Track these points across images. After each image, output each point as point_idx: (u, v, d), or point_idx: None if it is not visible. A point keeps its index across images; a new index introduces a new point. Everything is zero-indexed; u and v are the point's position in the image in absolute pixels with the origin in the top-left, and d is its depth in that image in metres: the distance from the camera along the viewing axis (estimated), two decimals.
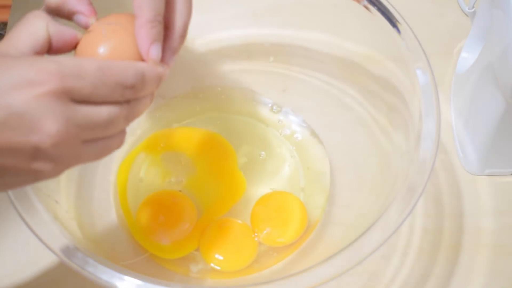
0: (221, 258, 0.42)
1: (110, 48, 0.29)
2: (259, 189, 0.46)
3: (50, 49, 0.29)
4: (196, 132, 0.49)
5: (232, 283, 0.43)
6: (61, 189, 0.41)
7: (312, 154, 0.48)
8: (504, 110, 0.43)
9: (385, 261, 0.44)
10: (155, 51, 0.29)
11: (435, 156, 0.35)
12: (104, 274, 0.31)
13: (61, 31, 0.29)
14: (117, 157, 0.47)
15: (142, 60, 0.30)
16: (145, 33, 0.29)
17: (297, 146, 0.49)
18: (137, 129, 0.49)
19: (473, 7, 0.54)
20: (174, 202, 0.44)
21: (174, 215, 0.44)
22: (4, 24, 0.57)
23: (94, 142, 0.28)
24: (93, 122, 0.27)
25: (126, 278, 0.31)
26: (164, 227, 0.43)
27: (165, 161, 0.48)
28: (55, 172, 0.27)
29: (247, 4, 0.50)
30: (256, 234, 0.44)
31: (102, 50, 0.29)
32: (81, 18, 0.30)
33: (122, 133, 0.30)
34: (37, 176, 0.26)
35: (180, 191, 0.46)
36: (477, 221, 0.47)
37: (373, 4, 0.41)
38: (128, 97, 0.28)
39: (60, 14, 0.30)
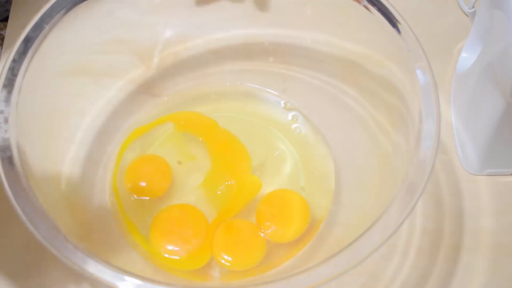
0: (233, 258, 0.43)
1: None
2: (261, 188, 0.47)
3: None
4: (217, 128, 0.50)
5: (232, 284, 0.43)
6: (62, 189, 0.41)
7: (314, 153, 0.49)
8: (504, 110, 0.43)
9: (385, 261, 0.44)
10: None
11: (435, 156, 0.35)
12: (104, 274, 0.31)
13: None
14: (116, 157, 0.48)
15: None
16: None
17: (298, 145, 0.49)
18: (125, 124, 0.49)
19: (473, 7, 0.54)
20: (186, 216, 0.45)
21: (187, 229, 0.44)
22: (4, 25, 0.57)
23: None
24: None
25: (126, 278, 0.31)
26: (178, 243, 0.43)
27: (184, 141, 0.48)
28: None
29: (247, 4, 0.50)
30: (262, 231, 0.44)
31: None
32: None
33: None
34: None
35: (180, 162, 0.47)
36: (477, 221, 0.47)
37: (373, 4, 0.41)
38: None
39: None
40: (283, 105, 0.51)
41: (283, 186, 0.47)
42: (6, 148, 0.35)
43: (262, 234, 0.44)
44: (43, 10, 0.40)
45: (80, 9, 0.42)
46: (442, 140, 0.51)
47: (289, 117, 0.50)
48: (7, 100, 0.37)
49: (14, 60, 0.38)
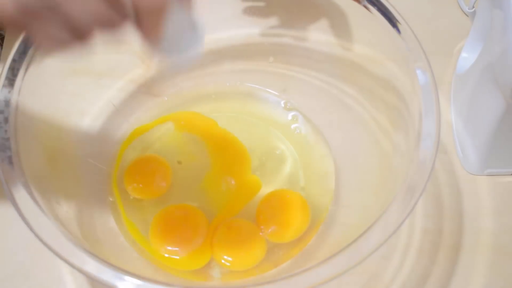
0: (233, 258, 0.43)
1: None
2: (261, 188, 0.47)
3: None
4: (217, 128, 0.50)
5: (232, 284, 0.43)
6: (61, 189, 0.41)
7: (314, 153, 0.49)
8: (504, 110, 0.43)
9: (385, 261, 0.44)
10: None
11: (435, 156, 0.35)
12: (104, 274, 0.31)
13: None
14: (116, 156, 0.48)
15: None
16: None
17: (298, 145, 0.49)
18: (125, 124, 0.49)
19: (473, 7, 0.54)
20: (186, 216, 0.45)
21: (188, 229, 0.44)
22: None
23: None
24: None
25: (126, 278, 0.31)
26: (178, 243, 0.43)
27: (184, 141, 0.49)
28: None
29: (247, 4, 0.50)
30: (262, 231, 0.44)
31: None
32: None
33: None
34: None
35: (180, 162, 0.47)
36: (477, 221, 0.47)
37: (373, 4, 0.41)
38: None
39: None
40: (283, 105, 0.51)
41: (283, 186, 0.47)
42: (6, 148, 0.35)
43: (262, 234, 0.44)
44: None
45: None
46: (442, 140, 0.51)
47: (289, 117, 0.50)
48: (7, 100, 0.37)
49: (14, 60, 0.38)
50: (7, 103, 0.37)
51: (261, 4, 0.49)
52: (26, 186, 0.34)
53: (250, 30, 0.50)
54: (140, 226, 0.44)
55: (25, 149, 0.36)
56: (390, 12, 0.41)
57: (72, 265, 0.31)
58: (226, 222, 0.44)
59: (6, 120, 0.36)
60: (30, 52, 0.39)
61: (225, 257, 0.43)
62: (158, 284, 0.31)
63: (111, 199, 0.45)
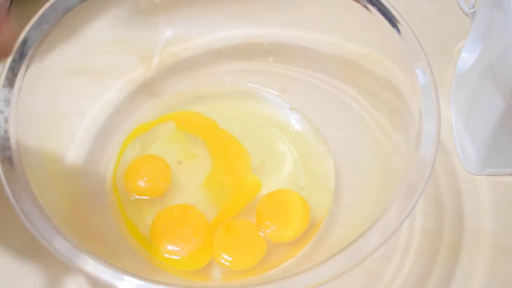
0: (233, 258, 0.43)
1: None
2: (261, 188, 0.47)
3: None
4: (217, 128, 0.50)
5: (232, 284, 0.43)
6: (61, 189, 0.41)
7: (314, 153, 0.49)
8: (504, 110, 0.43)
9: (385, 261, 0.44)
10: None
11: (435, 156, 0.35)
12: (104, 274, 0.31)
13: None
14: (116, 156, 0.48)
15: None
16: None
17: (298, 145, 0.49)
18: (125, 124, 0.49)
19: (473, 7, 0.54)
20: (186, 216, 0.45)
21: (188, 229, 0.44)
22: None
23: None
24: None
25: (126, 278, 0.31)
26: (179, 243, 0.43)
27: (184, 140, 0.49)
28: None
29: (247, 4, 0.50)
30: (262, 231, 0.44)
31: None
32: None
33: None
34: None
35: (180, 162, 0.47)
36: (477, 221, 0.47)
37: (373, 4, 0.41)
38: None
39: None
40: (283, 105, 0.51)
41: (283, 186, 0.47)
42: (6, 148, 0.35)
43: (262, 234, 0.44)
44: (43, 10, 0.40)
45: (80, 9, 0.42)
46: (442, 140, 0.51)
47: (289, 117, 0.50)
48: (7, 100, 0.37)
49: (14, 60, 0.38)
50: (7, 103, 0.37)
51: (261, 4, 0.49)
52: (26, 186, 0.34)
53: (250, 30, 0.50)
54: (140, 226, 0.44)
55: (25, 149, 0.36)
56: (390, 12, 0.41)
57: (72, 265, 0.31)
58: (226, 222, 0.44)
59: (6, 120, 0.36)
60: (30, 52, 0.39)
61: (225, 257, 0.43)
62: (158, 284, 0.31)
63: (111, 199, 0.45)
